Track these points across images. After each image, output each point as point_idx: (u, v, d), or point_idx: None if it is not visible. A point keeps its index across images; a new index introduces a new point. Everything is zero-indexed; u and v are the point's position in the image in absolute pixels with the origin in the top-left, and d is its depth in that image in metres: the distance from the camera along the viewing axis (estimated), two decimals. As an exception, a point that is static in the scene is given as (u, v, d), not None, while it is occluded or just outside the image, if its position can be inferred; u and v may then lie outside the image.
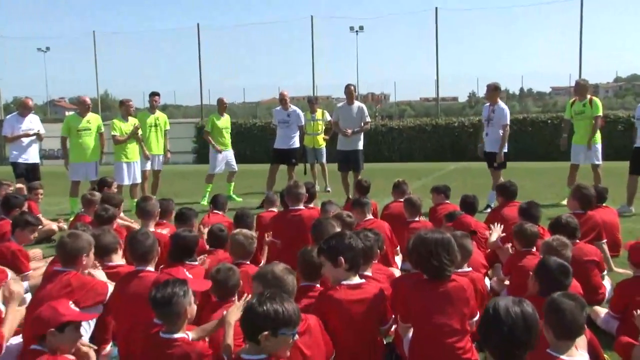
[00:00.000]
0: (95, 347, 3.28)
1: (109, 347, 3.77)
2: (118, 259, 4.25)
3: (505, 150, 9.04)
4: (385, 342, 3.50)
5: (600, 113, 9.10)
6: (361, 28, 43.32)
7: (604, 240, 5.34)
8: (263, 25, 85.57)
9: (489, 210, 7.75)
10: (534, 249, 4.39)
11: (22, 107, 9.52)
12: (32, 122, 9.41)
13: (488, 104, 9.23)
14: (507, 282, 4.53)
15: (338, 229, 4.26)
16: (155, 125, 10.10)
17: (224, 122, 10.81)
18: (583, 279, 4.11)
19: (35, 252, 6.04)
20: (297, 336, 2.54)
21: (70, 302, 3.13)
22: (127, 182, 9.43)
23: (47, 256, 5.84)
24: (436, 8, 21.56)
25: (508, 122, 9.01)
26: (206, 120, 10.93)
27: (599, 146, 9.16)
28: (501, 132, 8.90)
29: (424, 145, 20.41)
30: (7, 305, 3.44)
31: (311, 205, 5.99)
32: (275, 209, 6.23)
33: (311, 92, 23.32)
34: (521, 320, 2.27)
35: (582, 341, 2.79)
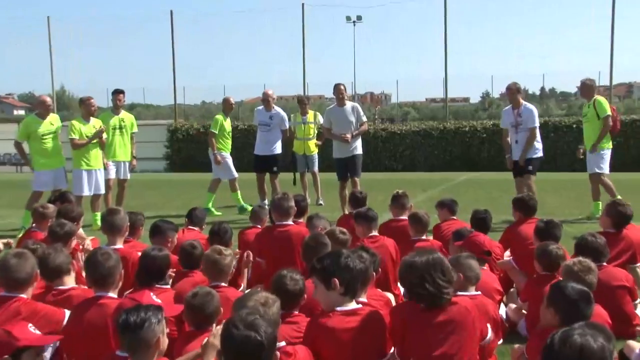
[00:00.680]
0: None
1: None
2: (71, 282, 4.23)
3: (539, 155, 9.18)
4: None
5: (608, 113, 9.26)
6: (359, 18, 43.69)
7: (639, 264, 5.38)
8: (247, 14, 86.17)
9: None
10: (557, 273, 4.43)
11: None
12: None
13: (509, 107, 9.35)
14: (524, 311, 4.57)
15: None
16: (121, 128, 10.12)
17: (229, 124, 11.01)
18: (612, 307, 4.15)
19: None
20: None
21: (30, 325, 3.11)
22: (87, 192, 9.42)
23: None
24: (445, -5, 21.76)
25: (537, 125, 9.20)
26: (212, 120, 11.02)
27: (605, 153, 9.32)
28: (528, 134, 9.03)
29: (430, 152, 20.55)
30: None
31: (301, 221, 6.02)
32: (260, 226, 6.26)
33: (302, 91, 23.40)
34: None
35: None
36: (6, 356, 2.89)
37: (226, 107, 11.09)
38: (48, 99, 9.53)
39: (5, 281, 3.77)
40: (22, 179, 15.47)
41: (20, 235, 7.00)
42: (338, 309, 3.29)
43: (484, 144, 20.22)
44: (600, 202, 9.43)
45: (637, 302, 4.72)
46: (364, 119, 9.74)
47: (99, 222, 9.23)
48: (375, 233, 5.56)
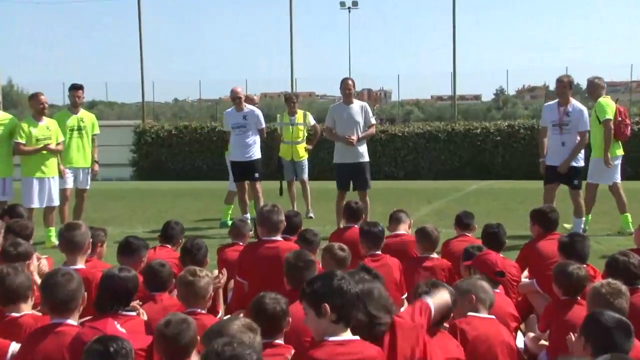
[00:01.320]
0: None
1: None
2: (27, 309, 4.23)
3: (582, 164, 9.21)
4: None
5: (609, 117, 9.36)
6: (354, 4, 43.95)
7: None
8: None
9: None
10: (580, 297, 4.48)
11: None
12: None
13: (554, 103, 9.34)
14: (544, 342, 4.61)
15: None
16: (79, 129, 10.11)
17: None
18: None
19: None
20: None
21: None
22: (37, 204, 9.41)
23: None
24: (454, -22, 21.97)
25: (588, 128, 9.20)
26: (221, 119, 11.01)
27: (612, 160, 9.43)
28: (578, 139, 9.07)
29: (436, 157, 20.70)
30: None
31: (292, 238, 6.06)
32: (242, 243, 6.27)
33: (289, 88, 23.49)
34: None
35: None
36: None
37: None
38: None
39: None
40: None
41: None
42: (330, 338, 3.29)
43: (498, 148, 20.38)
44: (628, 214, 9.54)
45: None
46: (373, 121, 9.79)
47: (53, 239, 9.27)
48: (378, 252, 5.60)
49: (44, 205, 9.52)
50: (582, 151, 9.20)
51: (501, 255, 5.60)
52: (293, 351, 3.64)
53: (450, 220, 7.19)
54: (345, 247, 5.14)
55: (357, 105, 9.55)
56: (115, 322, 3.90)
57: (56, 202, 9.63)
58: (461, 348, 3.89)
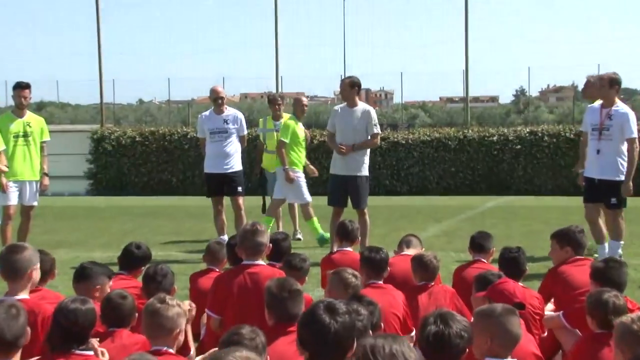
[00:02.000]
0: None
1: None
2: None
3: (622, 177, 9.01)
4: None
5: None
6: (352, -11, 44.00)
7: None
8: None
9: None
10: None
11: None
12: None
13: (597, 104, 9.32)
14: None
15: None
16: (25, 135, 10.11)
17: (302, 131, 11.24)
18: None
19: None
20: None
21: None
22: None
23: None
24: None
25: (636, 135, 9.07)
26: (281, 126, 11.02)
27: None
28: (624, 147, 8.99)
29: (446, 170, 20.71)
30: None
31: (278, 265, 6.07)
32: (218, 269, 6.27)
33: (274, 88, 23.51)
34: None
35: None
36: None
37: (297, 109, 11.23)
38: None
39: None
40: None
41: None
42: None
43: (519, 159, 20.38)
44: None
45: None
46: (376, 130, 9.61)
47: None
48: (380, 281, 5.64)
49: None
50: (624, 163, 9.00)
51: (521, 284, 5.62)
52: None
53: (462, 242, 7.25)
54: (357, 273, 5.24)
55: (360, 108, 9.57)
56: (70, 364, 3.90)
57: (-5, 222, 9.61)
58: None
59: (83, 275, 5.41)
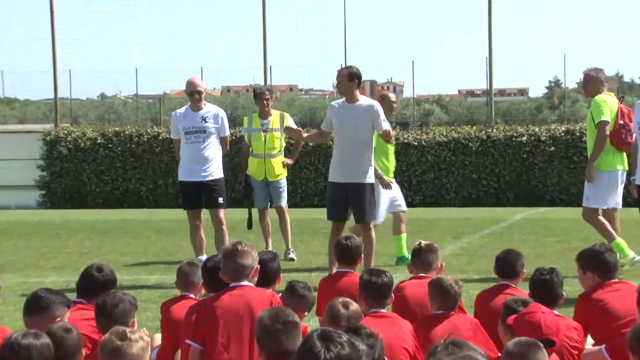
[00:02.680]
0: None
1: None
2: None
3: None
4: None
5: (604, 118, 9.43)
6: (353, -38, 44.42)
7: None
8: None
9: None
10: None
11: None
12: None
13: None
14: None
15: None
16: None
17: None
18: None
19: None
20: None
21: None
22: None
23: None
24: None
25: None
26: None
27: (603, 174, 9.56)
28: None
29: (467, 176, 20.80)
30: None
31: (269, 291, 6.06)
32: (194, 295, 6.29)
33: (261, 80, 23.55)
34: None
35: None
36: None
37: (385, 106, 10.90)
38: None
39: None
40: None
41: None
42: None
43: (553, 163, 20.47)
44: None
45: None
46: (385, 125, 9.46)
47: None
48: (382, 310, 5.62)
49: None
50: None
51: (555, 312, 5.61)
52: None
53: (486, 263, 7.25)
54: (350, 302, 5.20)
55: (364, 104, 9.49)
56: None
57: None
58: None
59: (38, 306, 5.33)
